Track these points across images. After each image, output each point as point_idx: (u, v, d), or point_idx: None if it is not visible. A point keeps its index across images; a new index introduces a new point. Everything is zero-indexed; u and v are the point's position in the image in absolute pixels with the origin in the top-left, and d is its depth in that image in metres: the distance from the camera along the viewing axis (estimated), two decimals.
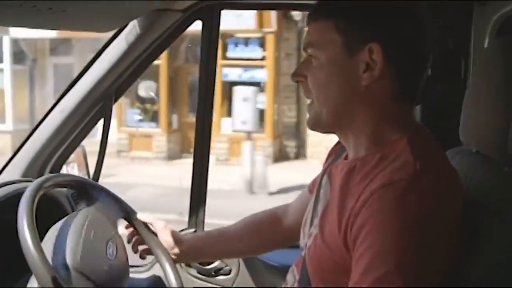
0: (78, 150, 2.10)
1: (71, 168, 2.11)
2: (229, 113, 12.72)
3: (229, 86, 12.75)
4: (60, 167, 2.08)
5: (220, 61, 12.54)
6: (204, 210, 2.17)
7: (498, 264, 1.05)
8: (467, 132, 1.27)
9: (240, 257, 2.08)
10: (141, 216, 1.65)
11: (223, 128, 12.89)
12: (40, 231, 1.33)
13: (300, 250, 1.35)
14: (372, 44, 1.13)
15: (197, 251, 1.68)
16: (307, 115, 1.25)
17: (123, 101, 13.23)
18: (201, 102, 2.08)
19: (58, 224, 1.45)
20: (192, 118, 13.28)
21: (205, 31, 2.01)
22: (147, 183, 10.51)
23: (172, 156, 13.29)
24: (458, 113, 1.30)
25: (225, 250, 1.73)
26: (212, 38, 2.01)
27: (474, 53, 1.82)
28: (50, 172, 2.04)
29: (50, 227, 1.48)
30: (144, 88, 12.57)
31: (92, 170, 2.07)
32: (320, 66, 1.19)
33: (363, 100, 1.17)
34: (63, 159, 2.07)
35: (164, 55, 11.41)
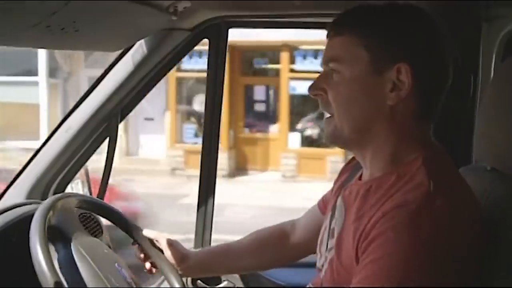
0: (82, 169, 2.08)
1: (76, 185, 2.10)
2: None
3: (297, 99, 12.53)
4: (65, 187, 2.06)
5: (287, 74, 12.34)
6: (211, 229, 2.15)
7: None
8: (481, 150, 1.27)
9: (247, 272, 2.05)
10: (146, 232, 1.64)
11: (291, 143, 12.57)
12: None
13: (316, 270, 1.33)
14: (401, 64, 1.12)
15: (203, 266, 1.66)
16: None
17: (175, 116, 12.81)
18: (208, 120, 2.09)
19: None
20: (247, 134, 13.08)
21: (212, 50, 2.01)
22: (236, 203, 9.82)
23: (232, 173, 12.55)
24: (468, 130, 1.30)
25: (231, 265, 1.71)
26: (219, 57, 2.02)
27: (483, 70, 1.82)
28: (55, 193, 2.02)
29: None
30: (200, 102, 11.94)
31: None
32: (344, 82, 1.17)
33: (386, 119, 1.16)
34: (68, 179, 2.05)
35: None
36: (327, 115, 1.22)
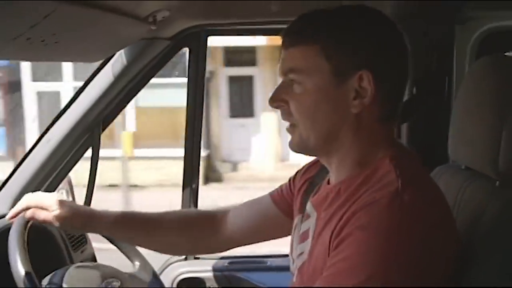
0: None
1: (60, 195, 2.10)
2: None
3: None
4: None
5: None
6: None
7: (493, 280, 1.05)
8: (456, 149, 1.28)
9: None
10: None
11: None
12: (31, 261, 1.35)
13: (291, 275, 1.32)
14: (362, 71, 1.12)
15: (114, 234, 1.59)
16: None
17: None
18: (190, 126, 2.11)
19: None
20: None
21: (192, 58, 2.03)
22: None
23: None
24: (443, 131, 1.32)
25: (146, 244, 1.60)
26: (199, 65, 2.04)
27: (457, 71, 1.85)
28: None
29: (39, 256, 1.48)
30: None
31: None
32: (306, 93, 1.15)
33: (352, 126, 1.15)
34: (51, 189, 2.04)
35: None
36: (289, 124, 1.21)
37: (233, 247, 1.59)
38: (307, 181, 1.38)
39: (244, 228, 1.53)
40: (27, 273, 1.27)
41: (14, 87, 11.46)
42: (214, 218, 1.57)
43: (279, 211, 1.46)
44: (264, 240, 1.54)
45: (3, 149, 11.22)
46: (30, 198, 1.52)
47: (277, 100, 1.19)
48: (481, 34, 1.95)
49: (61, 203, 1.49)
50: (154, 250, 1.66)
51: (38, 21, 1.10)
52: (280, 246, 1.79)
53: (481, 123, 1.17)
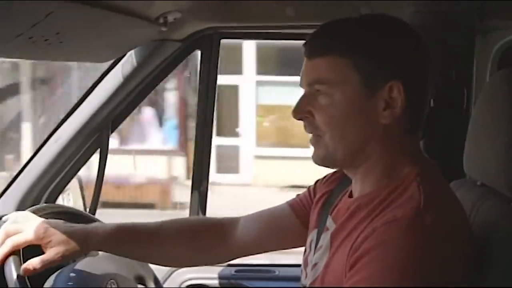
0: (74, 181, 2.07)
1: (67, 196, 2.09)
2: None
3: None
4: (55, 199, 2.05)
5: None
6: None
7: None
8: (471, 164, 1.26)
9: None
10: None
11: None
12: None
13: (300, 286, 1.30)
14: (393, 82, 1.10)
15: (113, 250, 1.47)
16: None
17: None
18: (200, 130, 2.09)
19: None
20: None
21: (204, 61, 2.01)
22: None
23: None
24: (461, 144, 1.29)
25: (149, 258, 1.54)
26: (211, 68, 2.02)
27: (477, 84, 1.81)
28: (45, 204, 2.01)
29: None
30: None
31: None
32: (334, 104, 1.13)
33: (380, 137, 1.13)
34: (58, 191, 2.04)
35: None
36: (312, 135, 1.18)
37: (243, 256, 1.55)
38: (325, 194, 1.35)
39: (257, 237, 1.49)
40: (19, 277, 1.25)
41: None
42: (221, 226, 1.51)
43: (297, 220, 1.42)
44: (277, 249, 1.50)
45: (175, 143, 10.77)
46: (9, 240, 1.36)
47: (301, 112, 1.17)
48: (503, 45, 1.92)
49: (49, 230, 1.37)
50: (157, 264, 1.63)
51: (39, 20, 1.09)
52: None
53: (496, 139, 1.14)
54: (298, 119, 1.18)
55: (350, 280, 1.03)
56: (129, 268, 1.60)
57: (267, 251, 1.51)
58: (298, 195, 1.46)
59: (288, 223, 1.43)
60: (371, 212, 1.09)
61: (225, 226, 1.50)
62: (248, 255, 1.53)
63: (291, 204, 1.45)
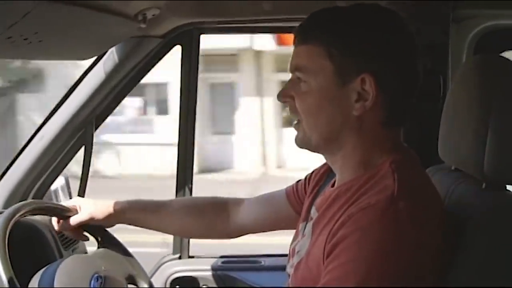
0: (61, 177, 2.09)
1: (54, 193, 2.10)
2: None
3: None
4: (42, 196, 2.06)
5: None
6: None
7: (479, 278, 1.06)
8: (445, 150, 1.28)
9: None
10: (66, 202, 1.65)
11: None
12: (20, 260, 1.35)
13: (286, 275, 1.33)
14: (365, 74, 1.12)
15: (129, 221, 1.65)
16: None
17: None
18: (183, 125, 2.12)
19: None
20: None
21: (185, 56, 2.02)
22: None
23: None
24: (437, 131, 1.31)
25: (158, 225, 1.68)
26: (192, 63, 2.03)
27: (453, 72, 1.83)
28: None
29: (29, 255, 1.50)
30: None
31: None
32: (310, 91, 1.17)
33: (353, 128, 1.16)
34: (45, 188, 2.05)
35: None
36: (296, 120, 1.22)
37: (243, 234, 1.65)
38: (316, 187, 1.39)
39: (256, 218, 1.59)
40: (9, 281, 1.27)
41: None
42: (226, 206, 1.64)
43: (291, 208, 1.50)
44: (274, 230, 1.61)
45: None
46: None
47: (284, 96, 1.22)
48: (477, 33, 1.94)
49: (110, 215, 1.61)
50: (166, 232, 1.79)
51: (16, 20, 1.10)
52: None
53: (467, 125, 1.16)
54: (282, 102, 1.22)
55: (329, 266, 1.06)
56: (119, 267, 1.61)
57: (263, 232, 1.62)
58: (297, 181, 1.51)
59: (283, 210, 1.51)
60: (348, 199, 1.12)
61: (230, 206, 1.63)
62: (249, 233, 1.64)
63: (287, 192, 1.53)
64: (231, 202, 1.64)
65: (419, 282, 1.03)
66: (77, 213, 1.61)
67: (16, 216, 1.43)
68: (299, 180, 1.51)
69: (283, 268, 1.36)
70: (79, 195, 2.04)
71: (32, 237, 1.74)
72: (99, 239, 1.66)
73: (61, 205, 1.65)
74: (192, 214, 1.64)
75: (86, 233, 1.65)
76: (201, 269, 2.18)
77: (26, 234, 1.69)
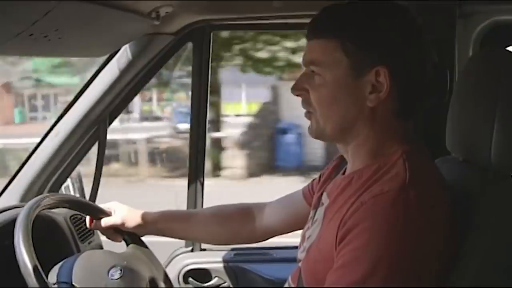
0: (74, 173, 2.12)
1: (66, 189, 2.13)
2: None
3: None
4: (58, 191, 2.09)
5: None
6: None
7: (486, 267, 1.08)
8: (453, 141, 1.30)
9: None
10: (105, 205, 1.70)
11: None
12: (38, 251, 1.36)
13: (297, 262, 1.37)
14: (379, 67, 1.15)
15: (160, 231, 1.71)
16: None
17: None
18: (195, 122, 2.14)
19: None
20: None
21: (196, 53, 2.05)
22: None
23: None
24: (444, 124, 1.33)
25: (187, 234, 1.78)
26: (203, 60, 2.06)
27: (459, 66, 1.85)
28: None
29: (47, 248, 1.51)
30: None
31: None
32: (325, 84, 1.20)
33: (367, 119, 1.19)
34: (60, 183, 2.09)
35: None
36: (306, 111, 1.26)
37: (269, 237, 1.70)
38: (328, 180, 1.42)
39: (279, 220, 1.64)
40: (34, 269, 1.29)
41: None
42: (251, 211, 1.70)
43: (308, 206, 1.51)
44: (296, 230, 1.62)
45: None
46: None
47: (298, 89, 1.25)
48: (484, 28, 1.95)
49: (141, 222, 1.68)
50: (195, 240, 2.03)
51: (39, 17, 1.13)
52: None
53: (474, 116, 1.19)
54: (296, 95, 1.26)
55: (341, 251, 1.09)
56: (143, 268, 1.63)
57: (286, 233, 1.65)
58: (313, 180, 1.55)
59: (302, 209, 1.53)
60: (360, 187, 1.15)
61: (254, 211, 1.68)
62: (274, 236, 1.69)
63: (304, 191, 1.57)
64: (255, 207, 1.70)
65: (428, 268, 1.07)
66: (110, 215, 1.68)
67: (39, 207, 1.46)
68: (314, 179, 1.55)
69: (294, 260, 1.39)
70: (92, 188, 2.08)
71: (50, 229, 1.77)
72: (130, 242, 1.69)
73: (96, 205, 1.70)
74: (219, 222, 1.71)
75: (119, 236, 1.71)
76: (213, 261, 2.21)
77: (44, 227, 1.73)
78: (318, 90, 1.21)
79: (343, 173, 1.30)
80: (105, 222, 1.68)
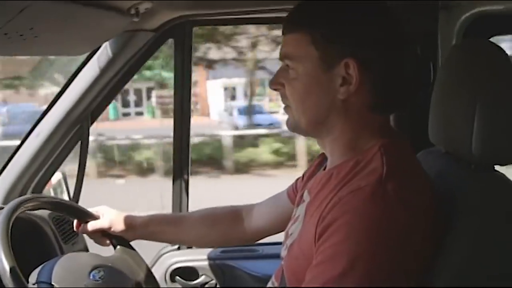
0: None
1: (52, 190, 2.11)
2: None
3: None
4: (41, 192, 2.08)
5: None
6: (187, 207, 2.22)
7: (469, 258, 1.08)
8: (435, 134, 1.30)
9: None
10: (94, 209, 1.70)
11: None
12: (20, 253, 1.35)
13: (281, 260, 1.36)
14: (348, 59, 1.14)
15: (148, 234, 1.71)
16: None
17: None
18: (178, 121, 2.13)
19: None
20: None
21: (177, 50, 2.04)
22: None
23: None
24: (427, 116, 1.33)
25: (179, 236, 1.77)
26: (185, 56, 2.05)
27: (442, 58, 1.85)
28: None
29: (29, 250, 1.51)
30: None
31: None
32: (297, 78, 1.20)
33: (340, 112, 1.19)
34: (42, 184, 2.07)
35: None
36: (285, 105, 1.26)
37: (259, 238, 1.72)
38: (311, 177, 1.41)
39: (267, 221, 1.65)
40: (12, 270, 1.28)
41: None
42: (241, 212, 1.71)
43: (293, 205, 1.50)
44: (281, 231, 1.61)
45: None
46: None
47: (275, 83, 1.26)
48: (467, 19, 1.94)
49: (131, 225, 1.68)
50: (185, 244, 2.03)
51: (12, 16, 1.11)
52: None
53: (455, 108, 1.18)
54: (273, 90, 1.27)
55: (320, 247, 1.08)
56: (129, 271, 1.62)
57: (277, 233, 1.65)
58: (297, 179, 1.55)
59: (287, 209, 1.52)
60: (339, 183, 1.15)
61: (243, 213, 1.70)
62: (263, 237, 1.71)
63: (288, 191, 1.58)
64: (244, 209, 1.71)
65: (409, 262, 1.06)
66: (97, 219, 1.67)
67: (20, 209, 1.45)
68: (298, 178, 1.54)
69: (279, 256, 1.38)
70: (75, 192, 2.06)
71: (31, 231, 1.76)
72: (117, 247, 1.68)
73: (83, 209, 1.69)
74: (209, 225, 1.71)
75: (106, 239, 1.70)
76: (199, 259, 2.20)
77: (26, 228, 1.71)
78: (292, 83, 1.22)
79: (324, 169, 1.30)
80: (92, 225, 1.67)
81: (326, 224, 1.09)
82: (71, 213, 1.68)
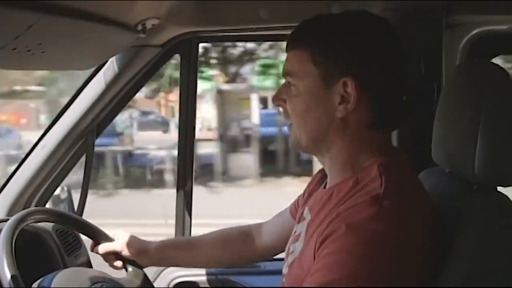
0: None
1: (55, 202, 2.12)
2: None
3: None
4: (45, 204, 2.09)
5: None
6: (190, 216, 2.22)
7: (470, 278, 1.08)
8: (438, 153, 1.30)
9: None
10: (111, 232, 1.71)
11: None
12: (23, 264, 1.36)
13: (282, 277, 1.36)
14: (347, 78, 1.16)
15: (162, 259, 1.74)
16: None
17: None
18: (183, 134, 2.13)
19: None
20: None
21: (184, 65, 2.05)
22: None
23: None
24: (431, 136, 1.33)
25: (191, 261, 1.77)
26: (191, 72, 2.06)
27: (446, 76, 1.86)
28: None
29: (32, 261, 1.52)
30: None
31: None
32: (298, 95, 1.22)
33: (339, 129, 1.20)
34: (47, 196, 2.08)
35: None
36: (289, 122, 1.27)
37: (269, 256, 1.72)
38: (311, 194, 1.41)
39: (271, 242, 1.66)
40: (13, 277, 1.28)
41: None
42: (251, 232, 1.72)
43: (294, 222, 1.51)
44: None
45: None
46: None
47: (278, 99, 1.28)
48: (471, 38, 1.96)
49: (144, 250, 1.70)
50: (198, 267, 1.99)
51: (21, 32, 1.12)
52: None
53: (458, 128, 1.19)
54: (276, 106, 1.29)
55: (316, 259, 1.10)
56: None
57: (282, 251, 1.62)
58: (299, 196, 1.55)
59: (291, 227, 1.50)
60: (339, 201, 1.16)
61: (253, 232, 1.70)
62: (273, 255, 1.70)
63: (290, 208, 1.59)
64: (253, 227, 1.73)
65: (404, 276, 1.06)
66: (111, 240, 1.69)
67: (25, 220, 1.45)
68: (300, 195, 1.54)
69: (281, 272, 1.39)
70: (80, 201, 2.07)
71: (35, 243, 1.76)
72: (129, 269, 1.70)
73: (99, 229, 1.71)
74: (222, 247, 1.72)
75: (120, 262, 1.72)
76: (202, 273, 2.20)
77: (30, 241, 1.72)
78: (293, 100, 1.24)
79: (324, 187, 1.30)
80: (104, 247, 1.69)
81: (323, 238, 1.10)
82: (87, 232, 1.70)
